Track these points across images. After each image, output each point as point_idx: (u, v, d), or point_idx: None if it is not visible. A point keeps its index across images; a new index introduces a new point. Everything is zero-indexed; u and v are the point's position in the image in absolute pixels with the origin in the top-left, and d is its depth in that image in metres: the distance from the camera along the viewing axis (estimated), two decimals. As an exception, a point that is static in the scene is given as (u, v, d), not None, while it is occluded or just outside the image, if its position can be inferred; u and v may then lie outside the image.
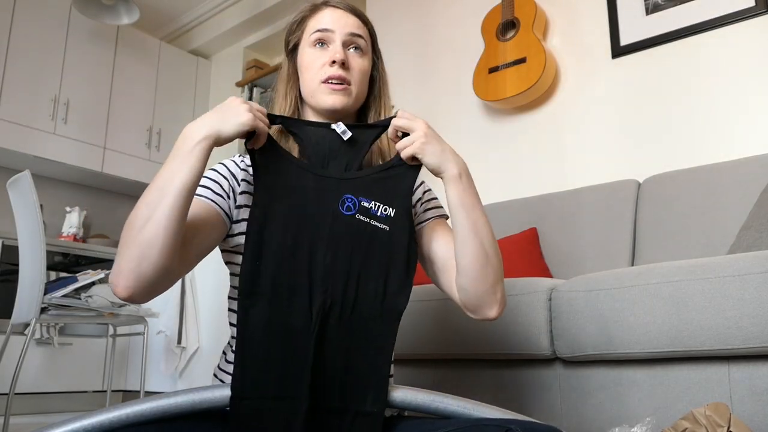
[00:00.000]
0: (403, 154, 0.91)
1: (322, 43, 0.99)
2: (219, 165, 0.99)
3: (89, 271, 2.62)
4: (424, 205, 1.07)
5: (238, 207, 0.95)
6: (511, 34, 2.64)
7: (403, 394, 0.87)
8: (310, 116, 1.02)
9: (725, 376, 1.19)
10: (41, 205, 2.46)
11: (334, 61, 0.97)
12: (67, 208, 3.90)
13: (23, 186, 2.46)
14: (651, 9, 2.40)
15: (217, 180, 0.96)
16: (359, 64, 1.00)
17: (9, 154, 3.58)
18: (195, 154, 0.82)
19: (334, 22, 1.00)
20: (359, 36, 1.01)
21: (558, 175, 2.55)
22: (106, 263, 3.64)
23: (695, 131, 2.24)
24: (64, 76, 3.80)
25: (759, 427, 1.13)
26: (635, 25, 2.43)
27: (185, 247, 0.85)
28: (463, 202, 0.92)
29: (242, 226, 0.94)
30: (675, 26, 2.32)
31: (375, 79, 1.06)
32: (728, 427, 0.90)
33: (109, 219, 4.27)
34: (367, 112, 1.06)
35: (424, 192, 1.10)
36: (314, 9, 1.03)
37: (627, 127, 2.41)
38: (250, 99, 4.27)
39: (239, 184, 0.97)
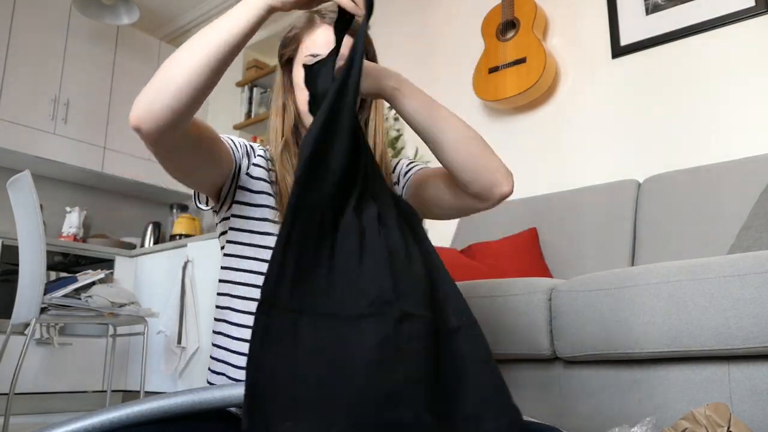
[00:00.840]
0: None
1: None
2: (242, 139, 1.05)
3: (89, 271, 2.62)
4: (405, 168, 1.13)
5: (248, 175, 1.00)
6: (511, 34, 2.64)
7: (403, 394, 0.87)
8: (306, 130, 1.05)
9: (725, 376, 1.19)
10: (41, 205, 2.46)
11: None
12: (67, 208, 3.90)
13: (23, 186, 2.46)
14: (651, 9, 2.40)
15: (238, 142, 1.02)
16: None
17: (9, 154, 3.58)
18: (243, 13, 0.78)
19: (327, 45, 0.97)
20: None
21: (558, 175, 2.55)
22: (106, 263, 3.64)
23: (695, 131, 2.24)
24: (64, 76, 3.80)
25: (759, 427, 1.13)
26: (635, 25, 2.43)
27: (200, 138, 0.88)
28: (419, 106, 0.94)
29: (248, 196, 0.99)
30: (675, 26, 2.32)
31: None
32: (728, 427, 0.89)
33: (109, 219, 4.27)
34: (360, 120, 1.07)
35: (398, 161, 1.17)
36: (309, 25, 1.02)
37: (627, 127, 2.41)
38: (250, 99, 4.27)
39: (255, 157, 1.02)
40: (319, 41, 0.99)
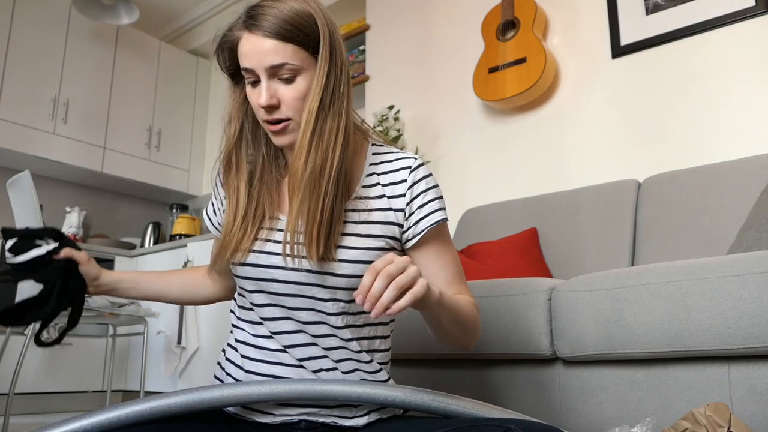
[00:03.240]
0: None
1: (252, 80, 0.91)
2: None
3: (89, 271, 2.61)
4: (418, 211, 0.95)
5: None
6: (511, 34, 2.64)
7: (403, 394, 0.87)
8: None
9: (725, 376, 1.19)
10: (41, 205, 2.46)
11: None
12: (67, 208, 3.90)
13: (23, 186, 2.45)
14: (651, 9, 2.40)
15: (210, 210, 1.08)
16: (291, 92, 0.89)
17: (9, 154, 3.58)
18: None
19: (252, 56, 0.88)
20: (279, 65, 0.87)
21: (558, 175, 2.55)
22: (105, 263, 3.64)
23: (695, 131, 2.24)
24: (64, 76, 3.80)
25: (759, 427, 1.13)
26: (635, 25, 2.43)
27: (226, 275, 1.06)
28: (445, 312, 0.87)
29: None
30: (675, 26, 2.32)
31: (328, 86, 0.90)
32: (728, 428, 0.89)
33: (109, 219, 4.27)
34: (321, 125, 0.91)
35: (416, 184, 0.96)
36: (232, 37, 0.91)
37: (627, 127, 2.41)
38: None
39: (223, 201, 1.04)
40: (243, 55, 0.89)
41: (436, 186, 0.97)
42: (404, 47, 3.20)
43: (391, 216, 0.94)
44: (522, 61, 2.55)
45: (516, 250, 2.11)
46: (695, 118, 2.25)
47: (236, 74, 0.96)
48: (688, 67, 2.29)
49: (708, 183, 1.93)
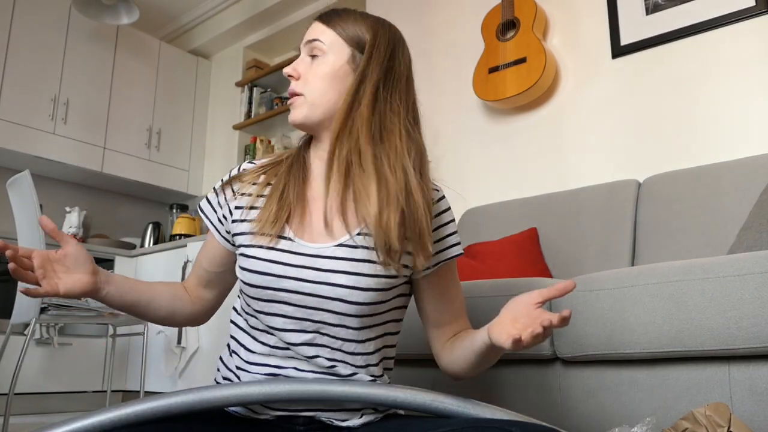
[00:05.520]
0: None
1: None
2: (211, 193, 1.00)
3: (89, 271, 2.61)
4: (437, 244, 0.97)
5: (237, 207, 0.96)
6: (511, 34, 2.64)
7: (403, 394, 0.87)
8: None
9: (725, 376, 1.19)
10: (41, 205, 2.46)
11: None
12: (67, 208, 3.90)
13: (23, 186, 2.45)
14: (651, 9, 2.40)
15: (211, 207, 0.99)
16: (314, 70, 0.93)
17: (9, 154, 3.58)
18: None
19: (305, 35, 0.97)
20: (314, 40, 0.93)
21: (558, 175, 2.55)
22: (106, 263, 3.64)
23: (695, 131, 2.24)
24: (64, 76, 3.80)
25: (759, 427, 1.13)
26: (635, 25, 2.43)
27: (210, 289, 1.02)
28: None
29: (242, 226, 0.94)
30: (675, 26, 2.32)
31: (357, 88, 0.91)
32: (728, 428, 0.89)
33: (109, 219, 4.27)
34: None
35: (446, 219, 1.00)
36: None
37: (627, 127, 2.41)
38: (250, 99, 4.27)
39: (233, 211, 0.97)
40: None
41: (454, 219, 1.01)
42: (404, 47, 3.19)
43: None
44: (522, 61, 2.55)
45: (516, 250, 2.11)
46: (695, 118, 2.25)
47: None
48: (687, 67, 2.29)
49: (708, 183, 1.93)
